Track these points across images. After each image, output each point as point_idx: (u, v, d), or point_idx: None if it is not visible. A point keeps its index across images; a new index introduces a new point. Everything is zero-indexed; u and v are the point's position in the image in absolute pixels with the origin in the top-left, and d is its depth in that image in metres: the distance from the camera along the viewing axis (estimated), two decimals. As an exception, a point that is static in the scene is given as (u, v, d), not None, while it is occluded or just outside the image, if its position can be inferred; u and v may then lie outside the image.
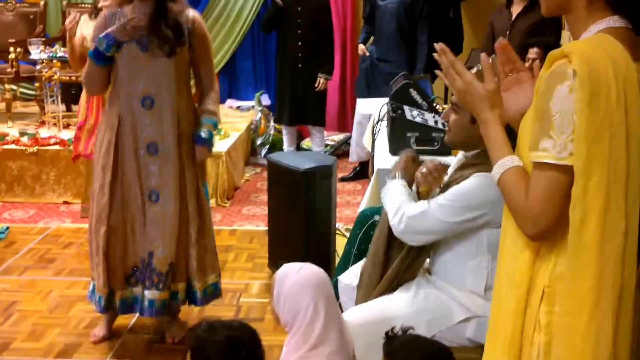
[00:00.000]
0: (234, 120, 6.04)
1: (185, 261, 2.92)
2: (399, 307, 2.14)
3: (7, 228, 4.34)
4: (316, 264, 2.07)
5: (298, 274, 1.97)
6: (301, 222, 3.44)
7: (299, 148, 5.96)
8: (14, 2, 6.54)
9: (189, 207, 2.87)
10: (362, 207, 3.44)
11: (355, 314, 2.18)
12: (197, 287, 2.97)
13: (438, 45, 1.58)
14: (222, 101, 6.84)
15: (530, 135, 1.35)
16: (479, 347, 2.02)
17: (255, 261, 3.93)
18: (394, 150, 3.38)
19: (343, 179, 5.28)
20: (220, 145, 5.09)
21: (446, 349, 1.75)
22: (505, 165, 1.40)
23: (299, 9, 5.29)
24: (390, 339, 1.74)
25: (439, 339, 1.97)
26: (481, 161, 2.03)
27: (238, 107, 6.60)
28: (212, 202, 4.83)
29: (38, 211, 4.75)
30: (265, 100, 6.52)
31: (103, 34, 2.69)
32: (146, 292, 2.88)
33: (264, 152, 5.96)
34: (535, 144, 1.33)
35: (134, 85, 2.74)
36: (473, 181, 2.03)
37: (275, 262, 3.54)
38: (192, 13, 2.81)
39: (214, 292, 3.06)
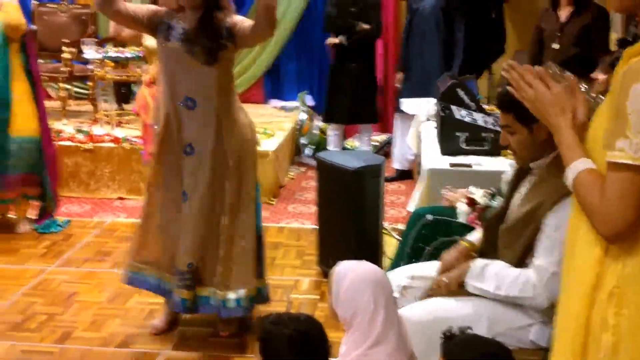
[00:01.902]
0: (279, 120, 6.13)
1: (211, 266, 2.95)
2: (458, 306, 2.14)
3: (69, 221, 4.51)
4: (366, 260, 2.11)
5: (357, 272, 1.99)
6: (350, 221, 3.50)
7: (344, 148, 6.03)
8: (67, 4, 6.73)
9: (222, 211, 2.89)
10: (412, 207, 3.48)
11: (412, 312, 2.17)
12: (218, 292, 2.95)
13: (507, 64, 1.59)
14: (267, 101, 6.98)
15: (605, 134, 1.33)
16: (541, 350, 2.04)
17: (303, 258, 4.00)
18: (444, 150, 3.42)
19: (387, 179, 5.34)
20: (267, 145, 5.19)
21: (506, 349, 1.73)
22: (578, 167, 1.40)
23: (352, 9, 5.39)
24: (448, 338, 1.72)
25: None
26: (553, 176, 1.94)
27: (282, 107, 6.69)
28: (261, 199, 4.92)
29: (93, 206, 4.91)
30: (309, 100, 6.60)
31: None
32: (177, 289, 2.97)
33: (307, 151, 6.05)
34: (611, 143, 1.31)
35: (177, 85, 2.82)
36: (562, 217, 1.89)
37: (325, 261, 3.61)
38: (234, 17, 2.83)
39: (252, 301, 3.03)
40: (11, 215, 4.48)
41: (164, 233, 2.97)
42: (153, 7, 2.94)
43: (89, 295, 3.55)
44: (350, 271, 2.01)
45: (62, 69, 5.91)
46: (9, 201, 4.32)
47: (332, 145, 5.84)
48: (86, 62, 5.81)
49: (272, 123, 5.81)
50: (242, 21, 2.81)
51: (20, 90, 4.15)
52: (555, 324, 1.51)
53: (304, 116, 6.31)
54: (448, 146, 3.50)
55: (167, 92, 2.87)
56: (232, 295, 2.93)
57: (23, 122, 4.16)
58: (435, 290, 2.21)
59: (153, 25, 2.83)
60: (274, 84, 7.07)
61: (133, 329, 3.20)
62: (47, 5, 6.74)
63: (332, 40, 5.50)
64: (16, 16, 4.04)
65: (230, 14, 2.83)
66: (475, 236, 2.35)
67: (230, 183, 2.89)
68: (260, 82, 7.05)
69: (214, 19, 2.78)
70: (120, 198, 5.03)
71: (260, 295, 3.10)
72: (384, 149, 6.15)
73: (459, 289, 2.16)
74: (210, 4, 2.78)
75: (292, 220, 4.68)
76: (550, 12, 4.54)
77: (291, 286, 3.65)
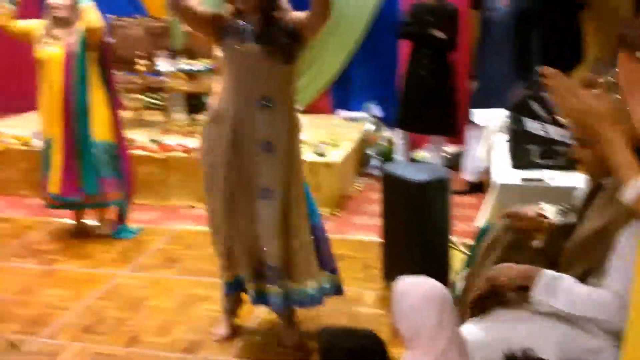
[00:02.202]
0: (346, 130, 6.13)
1: (290, 259, 2.99)
2: (521, 325, 2.06)
3: (142, 228, 4.65)
4: (431, 277, 2.07)
5: (419, 288, 1.95)
6: (416, 235, 3.45)
7: (412, 159, 5.99)
8: (141, 18, 6.96)
9: (294, 205, 2.95)
10: (480, 222, 3.41)
11: (473, 331, 2.12)
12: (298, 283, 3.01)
13: (544, 70, 1.54)
14: (334, 111, 7.00)
15: None
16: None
17: (368, 271, 3.97)
18: (516, 164, 3.34)
19: (458, 192, 5.25)
20: (333, 155, 5.21)
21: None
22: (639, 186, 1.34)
23: (429, 18, 5.37)
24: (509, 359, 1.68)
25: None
26: None
27: (349, 118, 6.70)
28: (326, 210, 4.95)
29: (163, 213, 5.04)
30: (377, 111, 6.58)
31: None
32: (269, 287, 3.00)
33: (374, 162, 6.03)
34: None
35: (252, 85, 2.84)
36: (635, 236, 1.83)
37: (390, 275, 3.57)
38: (292, 14, 2.86)
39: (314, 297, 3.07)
40: (88, 219, 4.64)
41: (243, 234, 2.98)
42: (215, 10, 2.97)
43: (157, 300, 3.63)
44: (412, 288, 1.97)
45: (136, 80, 6.10)
46: (92, 205, 4.46)
47: (399, 154, 5.80)
48: (159, 74, 5.99)
49: (339, 133, 5.82)
50: (299, 16, 2.84)
51: (97, 98, 4.32)
52: (625, 345, 1.45)
53: (371, 127, 6.30)
54: (520, 160, 3.42)
55: (239, 94, 2.88)
56: (299, 287, 2.99)
57: (101, 127, 4.33)
58: (484, 288, 2.10)
59: (218, 27, 2.87)
60: (341, 94, 7.08)
61: (198, 335, 3.25)
62: (124, 19, 6.99)
63: (438, 33, 5.39)
64: (95, 19, 4.20)
65: (288, 13, 2.86)
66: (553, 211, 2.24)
67: (298, 179, 2.96)
68: (328, 92, 7.09)
69: (275, 19, 2.81)
70: (190, 206, 5.14)
71: (329, 288, 3.13)
72: (455, 161, 6.07)
73: (511, 294, 2.06)
74: (265, 5, 2.81)
75: (357, 232, 4.66)
76: (634, 19, 4.37)
77: (354, 299, 3.62)
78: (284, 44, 2.79)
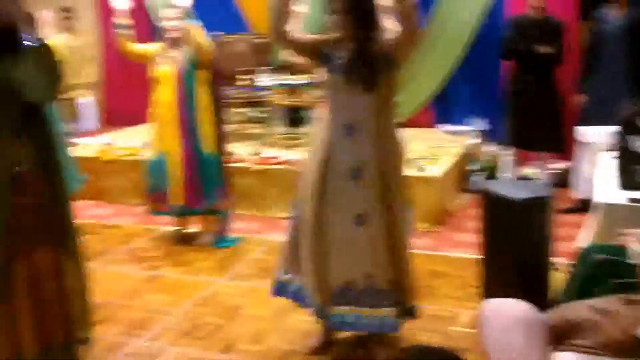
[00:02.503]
0: (447, 145, 6.04)
1: (397, 280, 3.00)
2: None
3: (241, 238, 4.77)
4: (530, 299, 1.97)
5: (508, 311, 1.89)
6: (515, 254, 3.34)
7: (519, 176, 5.82)
8: (245, 34, 7.17)
9: (397, 227, 2.95)
10: (583, 243, 3.26)
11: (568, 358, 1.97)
12: (411, 302, 3.04)
13: None
14: (435, 125, 6.92)
15: None
16: None
17: (465, 290, 3.88)
18: (623, 184, 3.18)
19: (564, 211, 5.03)
20: (433, 170, 5.13)
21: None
22: None
23: (533, 33, 5.24)
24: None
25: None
26: None
27: (452, 132, 6.61)
28: (424, 226, 4.88)
29: (261, 224, 5.14)
30: (481, 125, 6.45)
31: None
32: (373, 311, 2.99)
33: (476, 178, 5.89)
34: None
35: (340, 112, 2.91)
36: None
37: (489, 294, 3.46)
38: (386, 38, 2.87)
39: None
40: (191, 228, 4.80)
41: (336, 261, 2.98)
42: (317, 36, 3.04)
43: (252, 309, 3.70)
44: (500, 309, 1.91)
45: (239, 95, 6.28)
46: (206, 212, 4.62)
47: (505, 172, 5.65)
48: (261, 88, 6.14)
49: (440, 148, 5.74)
50: (391, 39, 2.84)
51: (205, 113, 4.47)
52: None
53: (474, 141, 6.18)
54: (627, 180, 3.24)
55: (330, 119, 2.95)
56: (387, 312, 2.98)
57: (208, 141, 4.49)
58: (594, 337, 1.97)
59: (319, 53, 2.95)
60: (443, 108, 7.00)
61: (291, 345, 3.27)
62: (229, 36, 7.22)
63: (544, 48, 5.26)
64: (204, 39, 4.36)
65: (384, 37, 2.86)
66: None
67: (396, 202, 2.94)
68: (429, 106, 7.02)
69: (369, 48, 2.85)
70: (287, 218, 5.19)
71: (410, 312, 3.11)
72: (564, 178, 5.84)
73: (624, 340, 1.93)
74: (360, 35, 2.85)
75: (456, 249, 4.57)
76: None
77: (450, 318, 3.54)
78: (363, 75, 2.83)
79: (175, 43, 4.41)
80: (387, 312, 2.98)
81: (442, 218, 5.13)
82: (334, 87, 2.92)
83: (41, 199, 2.43)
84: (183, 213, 4.61)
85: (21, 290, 2.38)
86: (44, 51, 2.28)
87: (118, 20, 4.49)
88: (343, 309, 3.02)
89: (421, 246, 4.59)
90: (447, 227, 5.04)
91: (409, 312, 3.07)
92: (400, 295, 3.00)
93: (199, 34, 4.37)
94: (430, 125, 6.97)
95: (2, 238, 2.33)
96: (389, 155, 2.94)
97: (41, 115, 2.44)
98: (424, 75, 6.71)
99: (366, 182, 2.90)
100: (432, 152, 5.50)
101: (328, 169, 2.94)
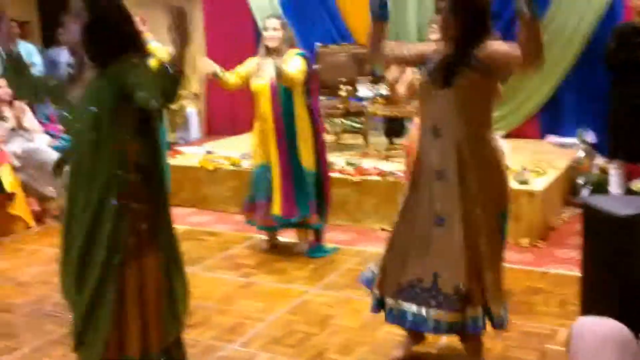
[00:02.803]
0: (554, 157, 5.81)
1: (479, 286, 2.89)
2: None
3: (337, 248, 4.77)
4: (632, 321, 1.86)
5: (598, 330, 1.79)
6: (618, 273, 3.14)
7: (629, 191, 5.50)
8: (347, 45, 7.21)
9: (480, 235, 2.86)
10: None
11: None
12: (494, 312, 2.91)
13: None
14: (543, 137, 6.67)
15: None
16: None
17: (565, 308, 3.70)
18: None
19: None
20: (536, 183, 4.95)
21: None
22: None
23: (638, 40, 4.97)
24: None
25: None
26: None
27: (559, 143, 6.35)
28: (525, 241, 4.71)
29: (357, 235, 5.13)
30: (590, 137, 6.16)
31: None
32: (431, 311, 2.91)
33: (585, 192, 5.61)
34: None
35: (428, 115, 2.93)
36: None
37: (589, 313, 3.28)
38: (493, 44, 2.80)
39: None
40: (284, 237, 4.86)
41: (402, 249, 2.99)
42: (422, 48, 3.05)
43: (343, 319, 3.68)
44: (591, 329, 1.80)
45: (338, 105, 6.31)
46: (299, 225, 4.67)
47: (614, 186, 5.36)
48: (361, 99, 6.14)
49: (545, 160, 5.52)
50: (497, 50, 2.76)
51: (302, 126, 4.50)
52: None
53: (582, 154, 5.91)
54: None
55: (421, 123, 2.99)
56: (442, 316, 2.90)
57: (306, 154, 4.51)
58: None
59: (419, 64, 2.99)
60: (551, 119, 6.75)
61: (380, 358, 3.22)
62: (329, 46, 7.29)
63: None
64: (294, 69, 4.32)
65: (489, 42, 2.79)
66: None
67: (478, 209, 2.87)
68: (537, 117, 6.79)
69: (465, 51, 2.79)
70: (383, 229, 5.16)
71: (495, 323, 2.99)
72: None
73: None
74: (461, 35, 2.80)
75: (559, 266, 4.36)
76: None
77: (547, 336, 3.39)
78: (441, 69, 2.81)
79: (274, 52, 4.46)
80: (443, 315, 2.88)
81: (544, 233, 4.93)
82: (425, 90, 2.93)
83: (151, 204, 2.52)
84: (278, 224, 4.66)
85: (130, 293, 2.48)
86: (166, 60, 2.35)
87: (210, 73, 4.55)
88: (406, 305, 2.98)
89: (521, 261, 4.43)
90: (549, 242, 4.83)
91: (482, 323, 2.92)
92: (467, 302, 2.87)
93: (293, 59, 4.36)
94: (537, 136, 6.74)
95: (118, 242, 2.44)
96: (475, 160, 2.86)
97: (154, 122, 2.54)
98: (533, 84, 6.50)
99: (448, 184, 2.87)
100: (537, 164, 5.30)
101: (418, 168, 2.96)
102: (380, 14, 2.93)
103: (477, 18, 2.80)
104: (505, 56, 2.72)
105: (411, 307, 2.96)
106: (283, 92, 4.43)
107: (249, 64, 4.59)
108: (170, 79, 2.25)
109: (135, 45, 2.48)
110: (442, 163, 2.88)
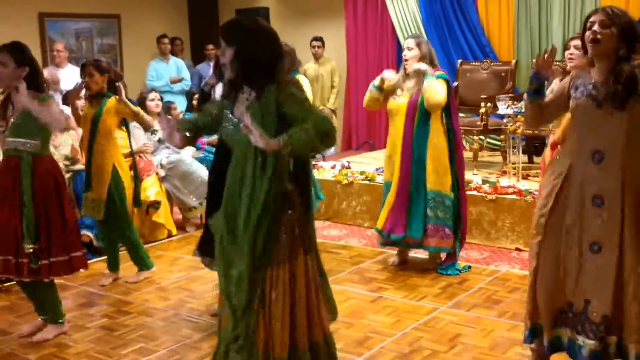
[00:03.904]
0: None
1: (620, 315, 2.75)
2: None
3: (469, 267, 4.66)
4: None
5: None
6: None
7: None
8: (489, 62, 7.05)
9: (630, 261, 2.72)
10: None
11: None
12: (630, 345, 2.74)
13: None
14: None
15: None
16: None
17: None
18: None
19: None
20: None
21: None
22: None
23: None
24: None
25: None
26: None
27: None
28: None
29: (491, 254, 4.97)
30: None
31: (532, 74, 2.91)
32: (579, 337, 2.82)
33: None
34: None
35: (585, 140, 2.80)
36: None
37: None
38: None
39: None
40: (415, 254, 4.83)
41: (551, 276, 2.89)
42: (558, 87, 3.00)
43: (472, 338, 3.58)
44: None
45: (477, 122, 6.17)
46: (414, 246, 4.62)
47: None
48: (501, 116, 5.97)
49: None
50: None
51: (435, 149, 4.42)
52: None
53: None
54: None
55: (574, 147, 2.86)
56: (588, 344, 2.79)
57: (435, 177, 4.42)
58: None
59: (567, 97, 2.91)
60: None
61: (508, 379, 3.11)
62: (471, 63, 7.17)
63: None
64: (438, 95, 4.29)
65: None
66: None
67: (636, 236, 2.73)
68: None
69: (626, 66, 2.69)
70: (518, 249, 4.99)
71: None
72: None
73: None
74: (619, 51, 2.71)
75: None
76: None
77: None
78: (613, 90, 2.70)
79: (410, 76, 4.45)
80: (588, 343, 2.77)
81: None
82: (583, 112, 2.81)
83: (301, 212, 2.63)
84: (395, 243, 4.61)
85: (281, 293, 2.56)
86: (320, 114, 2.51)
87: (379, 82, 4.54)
88: (561, 331, 2.90)
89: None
90: None
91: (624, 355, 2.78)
92: (611, 331, 2.75)
93: (433, 89, 4.30)
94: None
95: (271, 247, 2.54)
96: (637, 186, 2.75)
97: None
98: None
99: (608, 210, 2.76)
100: None
101: (567, 193, 2.85)
102: (534, 95, 2.94)
103: (630, 30, 2.72)
104: None
105: (565, 333, 2.90)
106: (422, 113, 4.41)
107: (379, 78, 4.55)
108: (327, 133, 2.44)
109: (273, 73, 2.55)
110: (602, 189, 2.77)
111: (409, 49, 4.43)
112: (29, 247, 3.48)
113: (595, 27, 2.72)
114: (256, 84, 2.53)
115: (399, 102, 4.46)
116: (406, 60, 4.44)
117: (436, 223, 4.46)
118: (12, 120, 3.54)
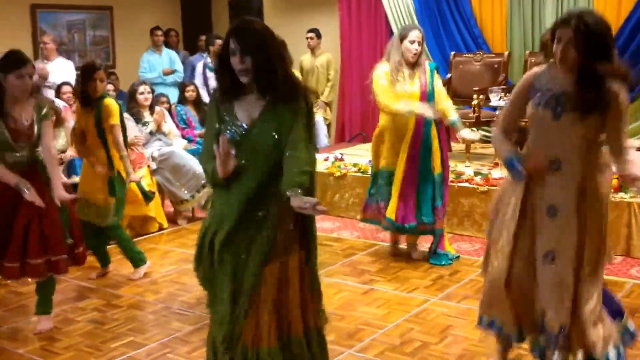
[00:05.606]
0: None
1: (579, 327, 2.73)
2: None
3: (458, 256, 4.67)
4: None
5: None
6: None
7: None
8: (482, 53, 7.03)
9: (584, 270, 2.72)
10: None
11: None
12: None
13: None
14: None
15: None
16: None
17: None
18: None
19: None
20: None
21: None
22: None
23: None
24: None
25: None
26: None
27: None
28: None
29: (482, 246, 4.91)
30: None
31: (510, 163, 2.73)
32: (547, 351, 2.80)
33: None
34: None
35: (543, 146, 2.74)
36: None
37: None
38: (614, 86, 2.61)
39: None
40: (403, 245, 4.83)
41: (519, 292, 2.86)
42: (518, 90, 2.87)
43: (462, 330, 3.58)
44: None
45: (470, 114, 6.16)
46: (424, 232, 4.64)
47: None
48: (494, 108, 5.96)
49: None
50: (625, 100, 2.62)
51: (435, 134, 4.51)
52: None
53: None
54: None
55: (534, 154, 2.79)
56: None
57: (437, 161, 4.52)
58: None
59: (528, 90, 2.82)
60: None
61: (496, 370, 3.10)
62: (464, 55, 7.14)
63: None
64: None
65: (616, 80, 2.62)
66: None
67: (590, 242, 2.73)
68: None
69: (592, 79, 2.61)
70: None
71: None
72: None
73: None
74: (583, 65, 2.61)
75: None
76: None
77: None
78: (579, 97, 2.63)
79: (411, 65, 4.44)
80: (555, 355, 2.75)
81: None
82: (540, 122, 2.73)
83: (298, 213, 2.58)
84: (391, 228, 4.62)
85: (270, 290, 2.53)
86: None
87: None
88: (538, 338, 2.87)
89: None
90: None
91: None
92: (570, 342, 2.73)
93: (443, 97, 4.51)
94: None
95: (268, 247, 2.52)
96: (592, 195, 2.72)
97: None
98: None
99: (561, 220, 2.73)
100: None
101: (526, 202, 2.80)
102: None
103: (602, 49, 2.61)
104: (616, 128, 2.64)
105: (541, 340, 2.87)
106: (430, 100, 4.45)
107: (383, 75, 4.45)
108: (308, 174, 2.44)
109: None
110: (555, 198, 2.73)
111: (419, 43, 4.42)
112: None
113: (563, 45, 2.62)
114: (275, 90, 2.49)
115: (410, 90, 4.42)
116: (415, 54, 4.42)
117: (439, 205, 4.51)
118: None
